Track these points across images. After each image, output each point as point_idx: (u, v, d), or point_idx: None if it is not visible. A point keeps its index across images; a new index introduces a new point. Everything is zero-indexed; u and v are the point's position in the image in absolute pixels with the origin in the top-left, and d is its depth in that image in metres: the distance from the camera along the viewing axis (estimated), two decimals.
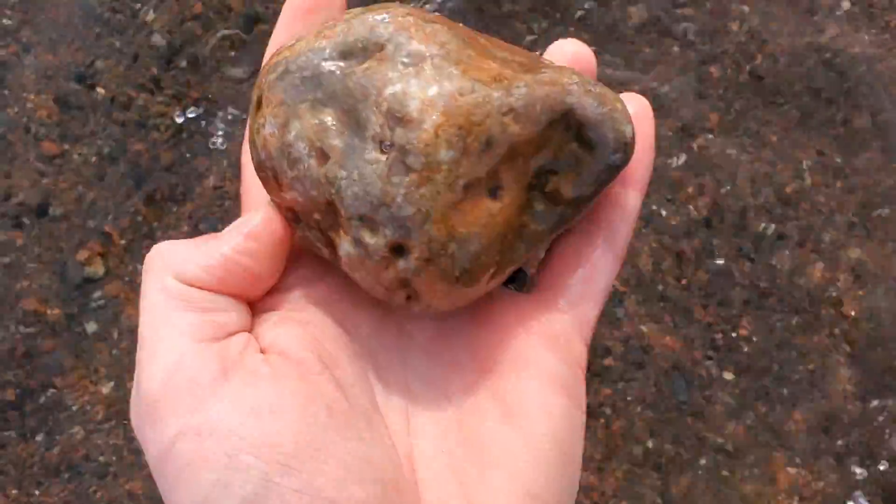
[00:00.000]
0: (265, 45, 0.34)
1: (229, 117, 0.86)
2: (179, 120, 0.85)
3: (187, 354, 0.28)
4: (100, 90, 0.86)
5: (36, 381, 0.76)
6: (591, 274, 0.34)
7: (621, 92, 0.33)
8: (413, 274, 0.30)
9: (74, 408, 0.76)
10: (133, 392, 0.29)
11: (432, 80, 0.28)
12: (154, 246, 0.31)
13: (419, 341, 0.33)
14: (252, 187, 0.34)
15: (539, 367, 0.32)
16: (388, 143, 0.28)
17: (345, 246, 0.30)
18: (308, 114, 0.30)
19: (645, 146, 0.34)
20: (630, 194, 0.35)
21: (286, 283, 0.33)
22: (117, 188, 0.83)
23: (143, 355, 0.29)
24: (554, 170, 0.32)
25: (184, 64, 0.87)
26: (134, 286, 0.79)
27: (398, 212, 0.29)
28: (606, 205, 0.34)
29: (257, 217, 0.31)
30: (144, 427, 0.28)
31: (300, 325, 0.31)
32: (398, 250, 0.30)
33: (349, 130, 0.29)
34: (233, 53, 0.88)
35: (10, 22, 0.88)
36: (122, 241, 0.81)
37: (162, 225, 0.81)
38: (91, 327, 0.78)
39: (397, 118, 0.28)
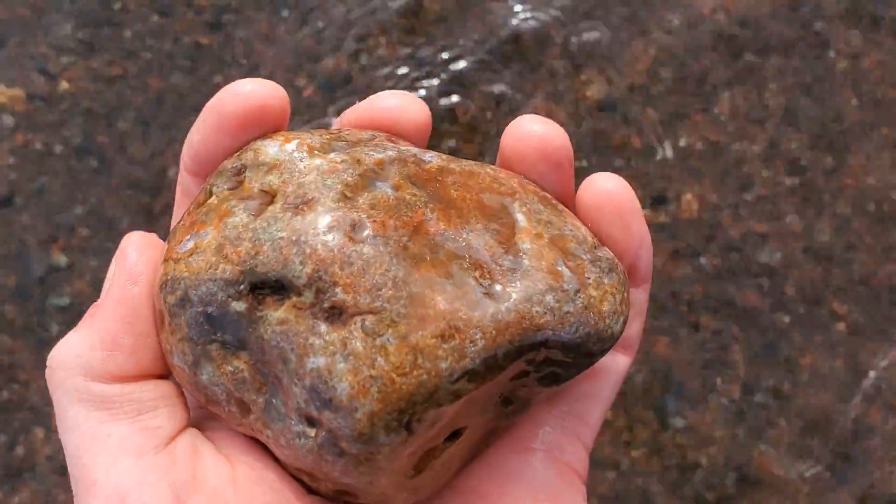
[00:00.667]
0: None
1: None
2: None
3: (130, 482, 0.25)
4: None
5: None
6: (593, 381, 0.30)
7: None
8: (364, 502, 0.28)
9: (37, 407, 0.76)
10: None
11: (363, 356, 0.24)
12: (49, 356, 0.27)
13: None
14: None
15: (530, 482, 0.29)
16: (316, 420, 0.25)
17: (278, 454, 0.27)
18: (220, 357, 0.26)
19: (635, 244, 0.28)
20: (635, 293, 0.30)
21: None
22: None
23: (79, 488, 0.26)
24: (524, 383, 0.28)
25: None
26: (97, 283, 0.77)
27: (338, 479, 0.26)
28: None
29: (138, 256, 0.26)
30: None
31: None
32: (346, 492, 0.27)
33: (269, 387, 0.26)
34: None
35: None
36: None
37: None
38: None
39: (324, 399, 0.24)
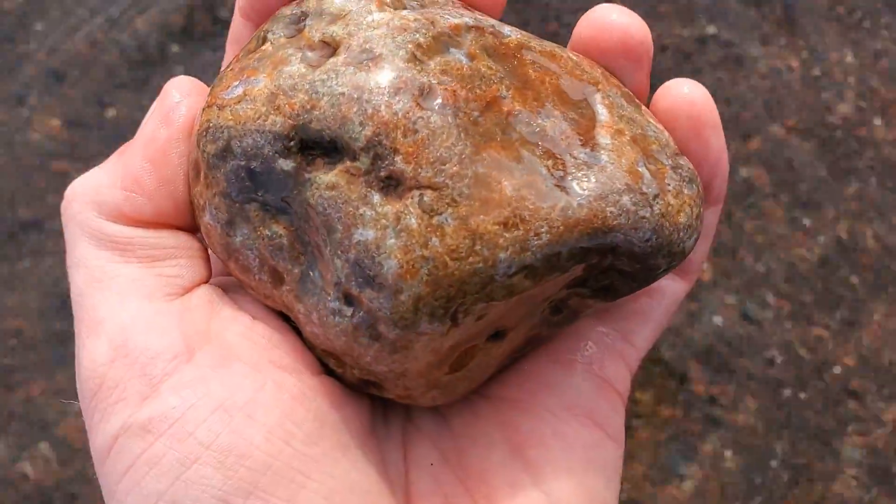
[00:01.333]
0: None
1: None
2: None
3: (137, 322, 0.23)
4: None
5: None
6: (647, 299, 0.28)
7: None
8: (390, 398, 0.26)
9: None
10: (76, 372, 0.24)
11: (417, 234, 0.21)
12: (68, 187, 0.25)
13: None
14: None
15: (564, 393, 0.27)
16: (356, 298, 0.22)
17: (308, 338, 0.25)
18: (257, 219, 0.24)
19: (712, 160, 0.26)
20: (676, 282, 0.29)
21: None
22: None
23: (81, 327, 0.23)
24: (578, 292, 0.26)
25: None
26: None
27: (368, 366, 0.24)
28: None
29: (181, 98, 0.25)
30: (88, 415, 0.23)
31: None
32: (371, 383, 0.25)
33: (307, 258, 0.23)
34: None
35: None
36: None
37: None
38: None
39: (368, 276, 0.22)
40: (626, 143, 0.24)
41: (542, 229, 0.22)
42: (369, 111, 0.22)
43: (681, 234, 0.24)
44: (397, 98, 0.22)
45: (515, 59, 0.25)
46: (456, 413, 0.27)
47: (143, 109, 0.29)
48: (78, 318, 0.24)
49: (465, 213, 0.22)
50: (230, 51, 0.28)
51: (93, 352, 0.23)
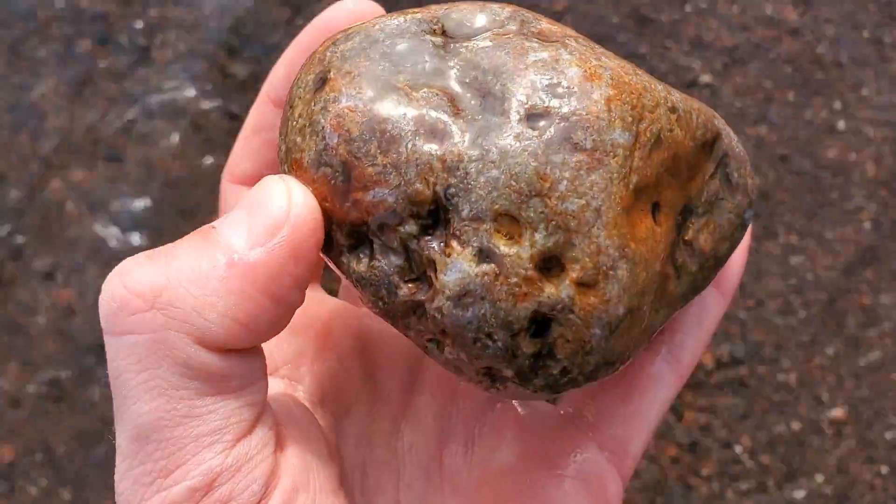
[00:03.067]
0: None
1: None
2: None
3: (223, 468, 0.21)
4: None
5: None
6: (640, 400, 0.28)
7: None
8: (561, 311, 0.21)
9: None
10: None
11: (588, 53, 0.22)
12: (127, 275, 0.21)
13: (418, 454, 0.28)
14: None
15: None
16: (542, 113, 0.21)
17: (459, 269, 0.21)
18: (408, 86, 0.22)
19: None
20: (712, 296, 0.28)
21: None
22: None
23: (151, 469, 0.21)
24: (694, 211, 0.25)
25: None
26: None
27: (559, 205, 0.21)
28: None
29: (297, 195, 0.22)
30: None
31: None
32: (548, 268, 0.21)
33: (474, 106, 0.22)
34: None
35: None
36: None
37: None
38: None
39: (553, 85, 0.21)
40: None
41: (674, 91, 0.24)
42: (497, 7, 0.24)
43: (749, 164, 0.27)
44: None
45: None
46: None
47: None
48: (147, 453, 0.21)
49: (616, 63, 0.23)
50: (247, 134, 0.29)
51: (171, 495, 0.21)
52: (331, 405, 0.28)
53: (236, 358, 0.22)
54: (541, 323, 0.21)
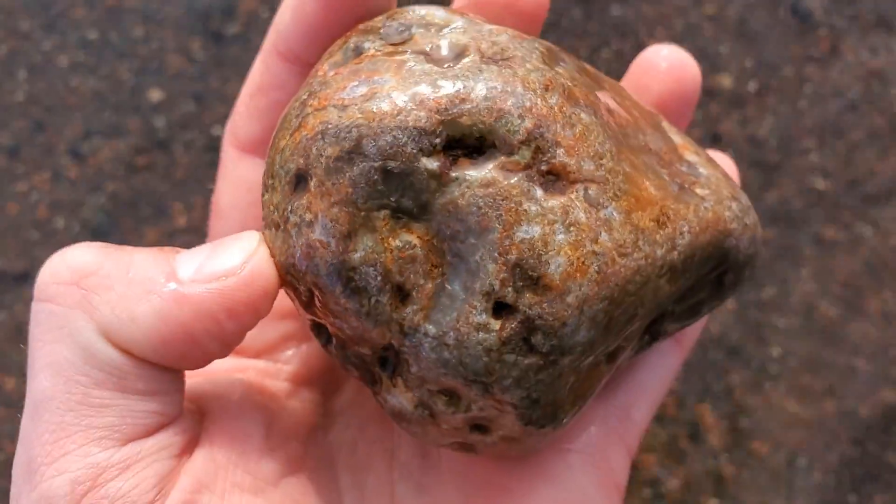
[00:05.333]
0: None
1: None
2: None
3: (111, 465, 0.21)
4: None
5: None
6: (645, 371, 0.28)
7: None
8: (485, 446, 0.24)
9: None
10: (15, 500, 0.21)
11: (587, 228, 0.21)
12: (69, 251, 0.22)
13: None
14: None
15: (562, 486, 0.26)
16: (511, 306, 0.21)
17: (398, 401, 0.23)
18: (386, 228, 0.21)
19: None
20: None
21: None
22: None
23: (37, 448, 0.21)
24: (668, 315, 0.25)
25: None
26: None
27: (500, 395, 0.22)
28: None
29: (250, 278, 0.22)
30: None
31: (261, 410, 0.25)
32: (478, 427, 0.23)
33: (448, 269, 0.21)
34: None
35: None
36: None
37: None
38: None
39: (530, 278, 0.20)
40: (707, 161, 0.25)
41: (685, 228, 0.22)
42: (527, 104, 0.21)
43: (758, 247, 0.25)
44: (549, 93, 0.21)
45: (604, 82, 0.25)
46: (448, 499, 0.26)
47: None
48: (35, 431, 0.21)
49: (627, 208, 0.21)
50: (255, 90, 0.27)
51: (49, 489, 0.21)
52: (319, 385, 0.28)
53: (141, 364, 0.21)
54: (466, 446, 0.24)
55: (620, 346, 0.24)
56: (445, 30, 0.23)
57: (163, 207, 0.77)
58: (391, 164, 0.21)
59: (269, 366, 0.27)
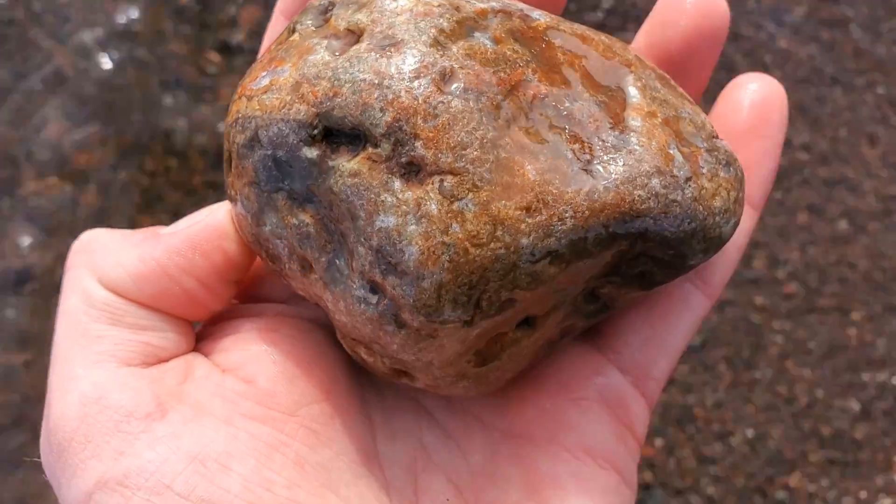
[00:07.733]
0: None
1: None
2: None
3: (111, 382, 0.23)
4: None
5: None
6: (664, 322, 0.28)
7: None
8: (421, 385, 0.25)
9: None
10: (43, 423, 0.24)
11: (437, 220, 0.21)
12: (84, 233, 0.26)
13: None
14: None
15: (583, 433, 0.26)
16: (379, 286, 0.22)
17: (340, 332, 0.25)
18: (285, 208, 0.24)
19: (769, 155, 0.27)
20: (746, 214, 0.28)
21: (264, 289, 0.29)
22: None
23: (54, 379, 0.24)
24: (611, 280, 0.25)
25: None
26: None
27: (396, 355, 0.23)
28: None
29: (210, 222, 0.26)
30: (56, 470, 0.23)
31: (276, 345, 0.25)
32: (402, 372, 0.25)
33: (333, 246, 0.23)
34: None
35: None
36: None
37: None
38: None
39: (390, 264, 0.21)
40: (657, 125, 0.24)
41: (567, 214, 0.22)
42: (389, 97, 0.22)
43: (716, 218, 0.24)
44: (417, 83, 0.22)
45: (544, 42, 0.24)
46: (474, 447, 0.26)
47: None
48: (53, 365, 0.24)
49: (486, 199, 0.21)
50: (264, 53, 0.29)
51: (64, 406, 0.23)
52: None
53: (129, 302, 0.25)
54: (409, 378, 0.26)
55: (532, 318, 0.24)
56: (358, 11, 0.24)
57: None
58: (279, 153, 0.23)
59: (289, 309, 0.29)
